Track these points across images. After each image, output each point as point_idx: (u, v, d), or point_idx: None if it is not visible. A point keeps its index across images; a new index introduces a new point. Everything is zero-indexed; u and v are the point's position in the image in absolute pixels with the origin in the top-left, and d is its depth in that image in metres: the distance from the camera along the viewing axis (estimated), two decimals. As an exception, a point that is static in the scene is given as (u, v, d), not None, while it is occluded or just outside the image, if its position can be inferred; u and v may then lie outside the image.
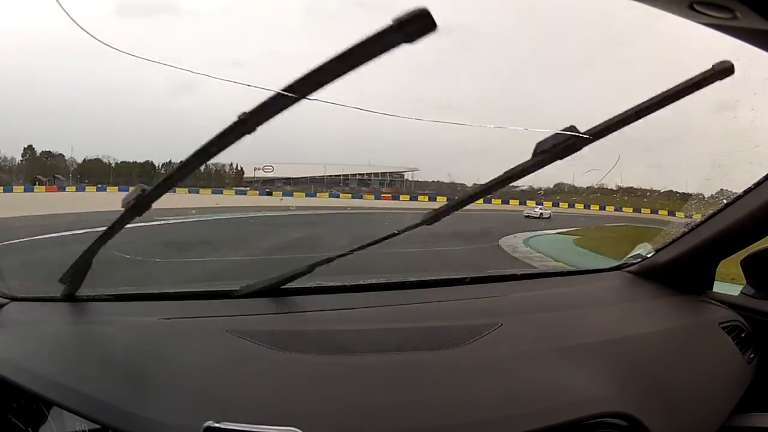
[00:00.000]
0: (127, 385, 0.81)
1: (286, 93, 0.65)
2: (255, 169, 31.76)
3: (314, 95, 0.66)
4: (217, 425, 0.68)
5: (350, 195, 33.44)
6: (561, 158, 0.86)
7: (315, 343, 0.95)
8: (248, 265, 6.87)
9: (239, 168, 31.89)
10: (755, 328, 1.22)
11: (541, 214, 20.28)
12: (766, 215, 1.13)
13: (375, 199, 33.04)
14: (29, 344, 1.00)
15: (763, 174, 1.13)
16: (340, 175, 35.76)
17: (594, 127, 0.84)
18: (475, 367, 0.87)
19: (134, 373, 0.84)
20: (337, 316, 1.09)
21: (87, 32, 0.76)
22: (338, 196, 32.89)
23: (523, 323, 1.06)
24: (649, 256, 1.41)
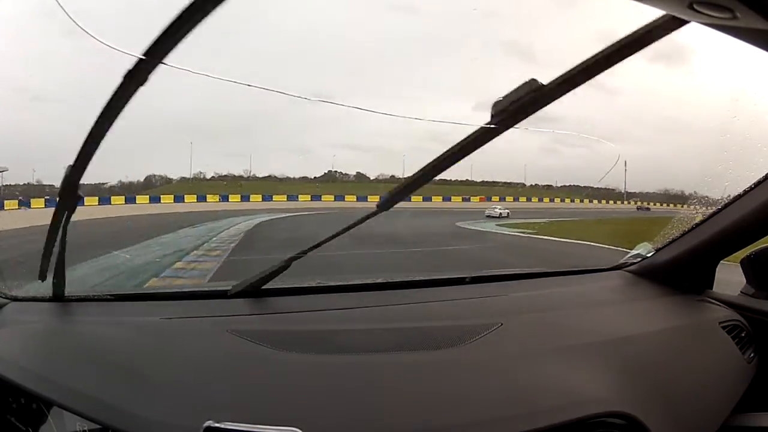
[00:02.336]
0: (126, 385, 0.81)
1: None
2: None
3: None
4: (217, 425, 0.68)
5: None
6: (522, 118, 0.78)
7: (315, 343, 0.95)
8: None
9: None
10: (755, 328, 1.22)
11: (500, 213, 22.12)
12: (765, 215, 1.13)
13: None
14: (29, 344, 1.00)
15: (763, 174, 1.13)
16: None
17: (554, 80, 0.75)
18: (475, 366, 0.87)
19: (134, 373, 0.84)
20: (337, 316, 1.09)
21: (87, 32, 0.76)
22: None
23: (524, 323, 1.05)
24: (649, 255, 1.41)
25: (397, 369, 0.86)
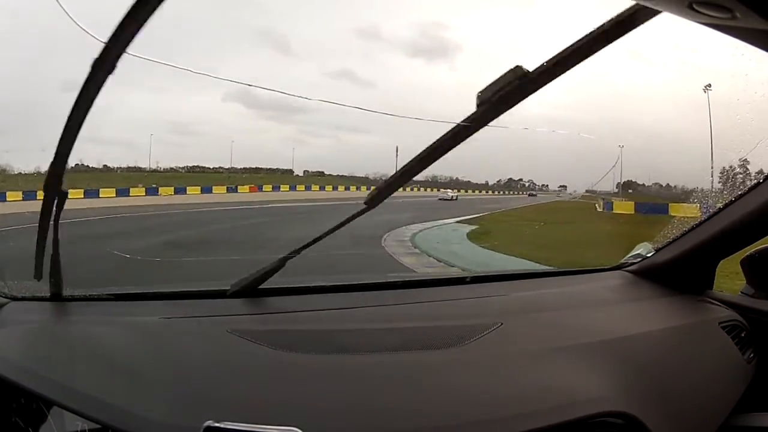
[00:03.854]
0: (127, 385, 0.81)
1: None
2: None
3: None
4: (217, 425, 0.68)
5: None
6: (508, 107, 0.75)
7: (315, 342, 0.95)
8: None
9: None
10: (755, 328, 1.22)
11: (452, 197, 27.38)
12: (765, 215, 1.13)
13: None
14: (29, 344, 1.00)
15: (763, 174, 1.13)
16: None
17: (538, 67, 0.72)
18: (476, 366, 0.87)
19: (134, 373, 0.84)
20: (337, 316, 1.09)
21: (87, 32, 0.76)
22: None
23: (524, 323, 1.06)
24: (649, 255, 1.41)
25: (397, 369, 0.86)
